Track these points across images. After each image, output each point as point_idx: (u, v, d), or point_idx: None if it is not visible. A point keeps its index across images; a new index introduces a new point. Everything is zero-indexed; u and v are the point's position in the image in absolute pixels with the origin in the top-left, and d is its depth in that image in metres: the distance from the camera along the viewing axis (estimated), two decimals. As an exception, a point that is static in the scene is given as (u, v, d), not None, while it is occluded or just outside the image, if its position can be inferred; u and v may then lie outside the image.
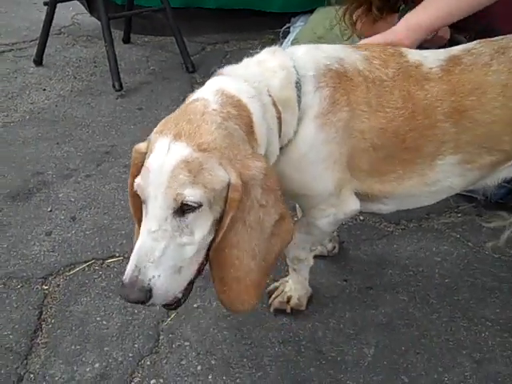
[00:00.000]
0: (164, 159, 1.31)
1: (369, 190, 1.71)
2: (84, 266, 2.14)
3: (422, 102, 1.60)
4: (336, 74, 1.59)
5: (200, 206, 1.32)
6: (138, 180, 1.37)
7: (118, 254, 2.18)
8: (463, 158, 1.67)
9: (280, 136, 1.55)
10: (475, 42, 1.69)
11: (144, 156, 1.40)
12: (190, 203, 1.30)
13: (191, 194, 1.30)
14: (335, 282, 2.09)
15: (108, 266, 2.14)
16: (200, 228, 1.36)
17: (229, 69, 1.57)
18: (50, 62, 3.73)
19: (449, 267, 2.17)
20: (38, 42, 3.69)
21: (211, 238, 1.39)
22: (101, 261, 2.16)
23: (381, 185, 1.70)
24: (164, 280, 1.32)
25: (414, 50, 1.72)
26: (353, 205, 1.71)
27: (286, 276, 2.00)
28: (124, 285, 1.32)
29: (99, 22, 3.97)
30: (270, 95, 1.52)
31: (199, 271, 1.43)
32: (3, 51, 3.86)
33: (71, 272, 2.12)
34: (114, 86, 3.32)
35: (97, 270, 2.12)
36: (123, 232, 2.28)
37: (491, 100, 1.60)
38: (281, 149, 1.57)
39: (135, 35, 4.10)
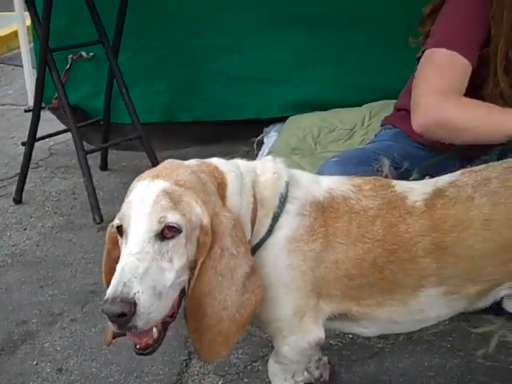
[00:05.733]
0: (145, 191, 1.45)
1: (346, 310, 1.71)
2: (73, 423, 2.10)
3: (403, 236, 1.61)
4: (321, 205, 1.64)
5: (180, 231, 1.42)
6: (118, 215, 1.48)
7: (107, 406, 2.14)
8: (447, 290, 1.66)
9: (252, 231, 1.61)
10: (460, 172, 1.71)
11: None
12: (173, 225, 1.41)
13: (173, 217, 1.41)
14: (330, 413, 2.06)
15: (98, 420, 2.11)
16: (178, 258, 1.44)
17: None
18: (29, 198, 3.76)
19: (443, 381, 2.17)
20: (17, 179, 3.74)
21: (184, 278, 1.47)
22: (90, 416, 2.13)
23: (359, 307, 1.70)
24: (147, 298, 1.36)
25: (402, 182, 1.76)
26: (316, 333, 1.70)
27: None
28: (107, 300, 1.35)
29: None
30: (252, 187, 1.61)
31: (172, 316, 1.49)
32: (-17, 192, 3.91)
33: (60, 432, 2.07)
34: (94, 220, 3.35)
35: (87, 427, 2.08)
36: (112, 379, 2.24)
37: (473, 235, 1.60)
38: None
39: (112, 161, 4.18)
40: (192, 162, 1.62)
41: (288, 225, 1.62)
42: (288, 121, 4.12)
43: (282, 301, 1.64)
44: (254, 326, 2.34)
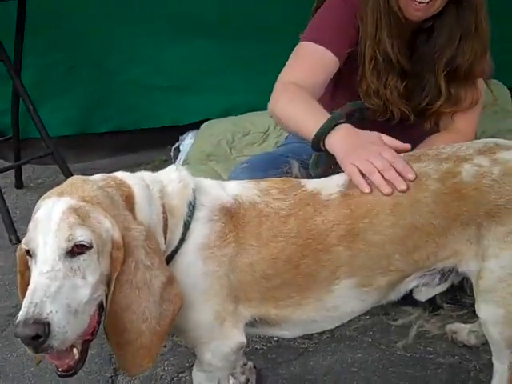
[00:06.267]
0: (51, 210, 1.40)
1: (265, 315, 1.73)
2: None
3: (318, 229, 1.65)
4: (229, 211, 1.66)
5: (91, 247, 1.39)
6: (26, 237, 1.42)
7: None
8: (359, 282, 1.72)
9: (165, 241, 1.60)
10: None
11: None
12: (82, 243, 1.38)
13: (82, 234, 1.38)
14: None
15: None
16: (92, 273, 1.41)
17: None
18: None
19: (366, 376, 2.21)
20: None
21: (101, 293, 1.45)
22: None
23: (277, 310, 1.73)
24: (62, 317, 1.33)
25: (312, 180, 1.80)
26: (237, 338, 1.71)
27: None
28: (19, 323, 1.31)
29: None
30: (160, 197, 1.60)
31: (92, 333, 1.46)
32: None
33: None
34: (10, 240, 3.27)
35: None
36: (35, 406, 2.20)
37: (382, 220, 1.66)
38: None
39: (28, 178, 4.09)
40: (97, 176, 1.59)
41: (199, 231, 1.63)
42: (201, 127, 4.13)
43: (200, 308, 1.65)
44: (179, 337, 2.34)
